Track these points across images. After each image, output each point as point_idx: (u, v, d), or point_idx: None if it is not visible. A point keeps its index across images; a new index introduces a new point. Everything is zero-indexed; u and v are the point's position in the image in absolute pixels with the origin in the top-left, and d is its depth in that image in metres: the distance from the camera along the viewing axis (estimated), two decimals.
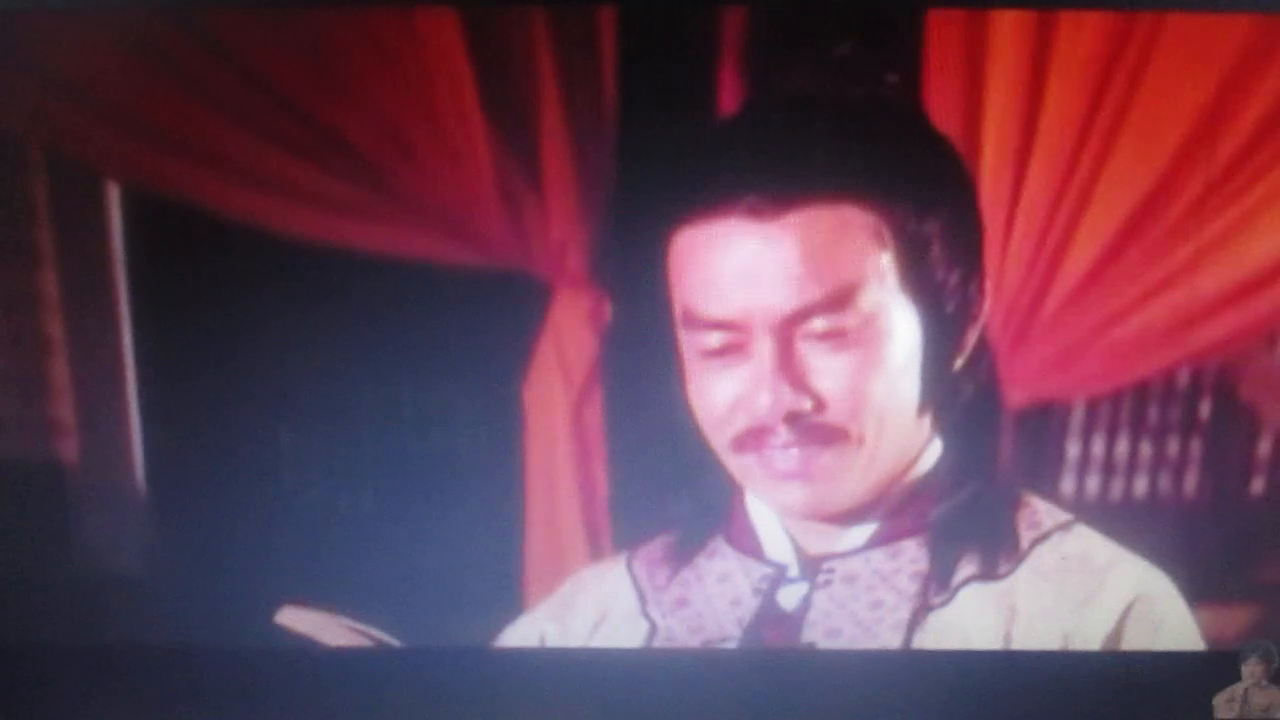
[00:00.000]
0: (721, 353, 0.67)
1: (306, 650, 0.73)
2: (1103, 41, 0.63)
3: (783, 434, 0.67)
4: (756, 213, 0.65)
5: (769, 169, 0.65)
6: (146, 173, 0.67)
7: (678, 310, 0.67)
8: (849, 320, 0.66)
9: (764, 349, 0.66)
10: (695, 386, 0.68)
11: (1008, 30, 0.63)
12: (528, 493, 0.71)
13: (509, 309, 0.68)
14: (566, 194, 0.66)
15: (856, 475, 0.69)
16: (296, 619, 0.73)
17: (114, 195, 0.67)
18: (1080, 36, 0.63)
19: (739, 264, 0.65)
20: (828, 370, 0.66)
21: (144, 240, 0.68)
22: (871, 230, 0.65)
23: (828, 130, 0.65)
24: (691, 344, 0.68)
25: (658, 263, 0.67)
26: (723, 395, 0.68)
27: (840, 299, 0.65)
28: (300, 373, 0.69)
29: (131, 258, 0.68)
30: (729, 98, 0.65)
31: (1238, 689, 0.74)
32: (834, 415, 0.67)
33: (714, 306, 0.66)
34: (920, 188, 0.66)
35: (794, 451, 0.68)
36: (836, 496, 0.69)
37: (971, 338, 0.68)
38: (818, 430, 0.67)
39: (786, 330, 0.66)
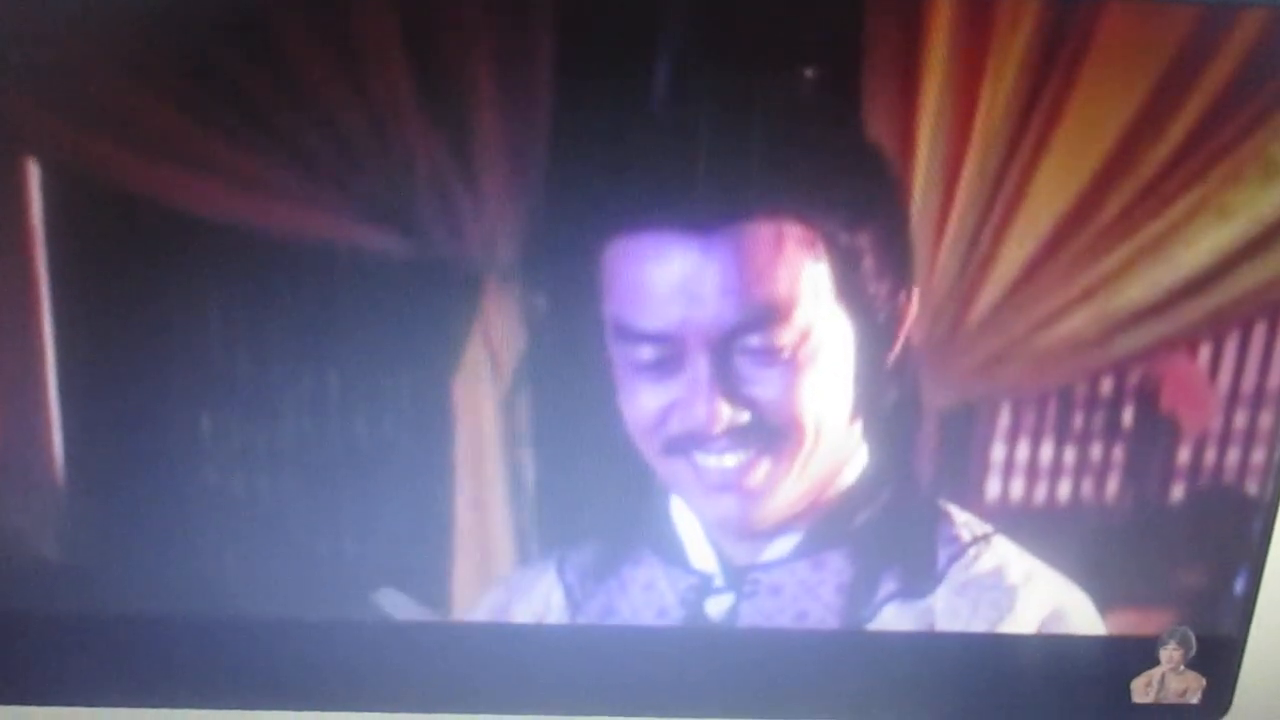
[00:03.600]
0: (655, 366, 0.66)
1: (226, 622, 0.73)
2: (1039, 33, 0.62)
3: (720, 441, 0.67)
4: (691, 227, 0.63)
5: (704, 181, 0.63)
6: (68, 149, 0.64)
7: (609, 321, 0.66)
8: (786, 335, 0.65)
9: (699, 363, 0.65)
10: (626, 395, 0.67)
11: (944, 20, 0.62)
12: (455, 487, 0.71)
13: (439, 298, 0.67)
14: (499, 185, 0.64)
15: (789, 484, 0.69)
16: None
17: (33, 172, 0.64)
18: (1018, 26, 0.62)
19: (674, 278, 0.64)
20: (765, 382, 0.66)
21: (64, 220, 0.65)
22: (808, 244, 0.64)
23: (765, 140, 0.63)
24: (623, 355, 0.67)
25: (589, 270, 0.66)
26: (656, 403, 0.67)
27: (777, 314, 0.65)
28: (224, 358, 0.68)
29: (51, 237, 0.65)
30: (667, 98, 0.63)
31: (1155, 673, 0.76)
32: (772, 423, 0.67)
33: (647, 320, 0.65)
34: (855, 199, 0.65)
35: (729, 460, 0.68)
36: (767, 509, 0.70)
37: (899, 343, 0.68)
38: (755, 438, 0.67)
39: (723, 345, 0.65)
